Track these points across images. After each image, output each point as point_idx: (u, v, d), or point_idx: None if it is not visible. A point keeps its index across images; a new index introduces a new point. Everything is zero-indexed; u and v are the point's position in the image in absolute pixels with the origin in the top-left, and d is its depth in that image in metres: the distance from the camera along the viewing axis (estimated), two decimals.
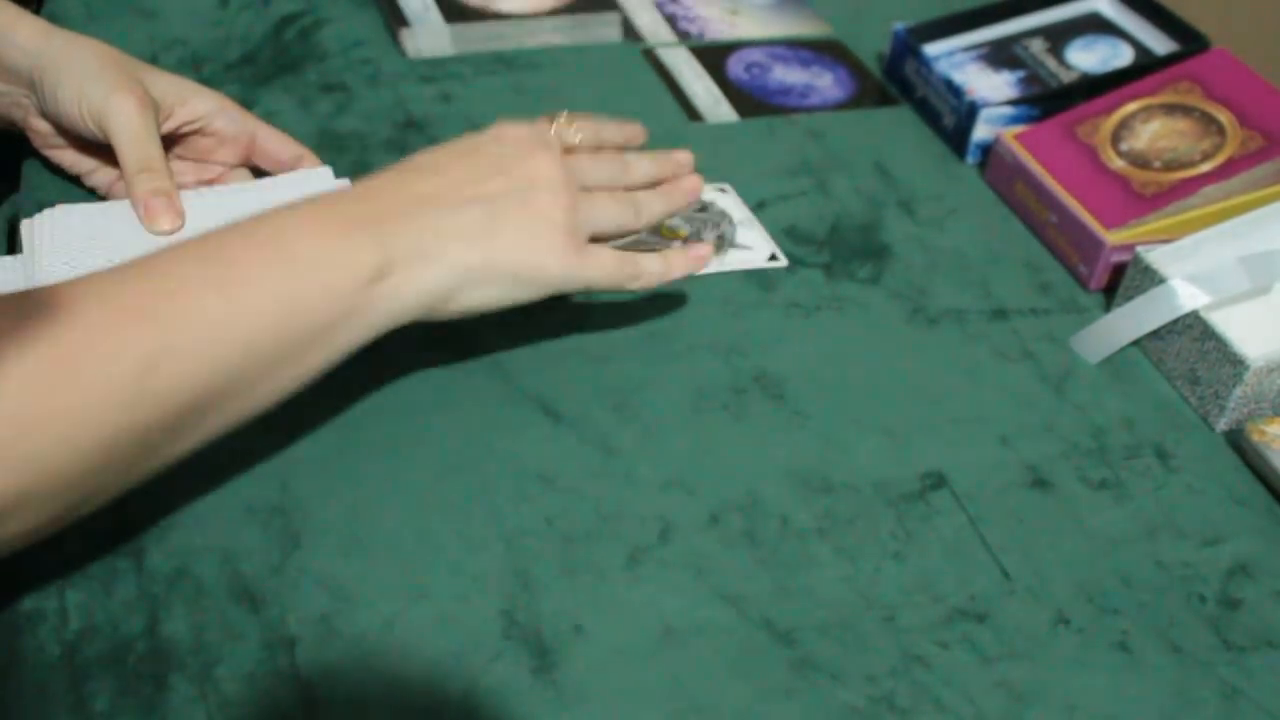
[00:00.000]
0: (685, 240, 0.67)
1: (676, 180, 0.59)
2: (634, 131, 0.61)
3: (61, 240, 0.56)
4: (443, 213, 0.49)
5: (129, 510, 0.50)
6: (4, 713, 0.43)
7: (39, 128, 0.62)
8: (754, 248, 0.68)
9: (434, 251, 0.48)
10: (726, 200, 0.72)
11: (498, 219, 0.50)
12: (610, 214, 0.55)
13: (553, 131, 0.57)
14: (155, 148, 0.58)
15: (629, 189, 0.57)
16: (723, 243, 0.67)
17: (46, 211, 0.58)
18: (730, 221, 0.69)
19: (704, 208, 0.70)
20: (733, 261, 0.67)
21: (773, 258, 0.68)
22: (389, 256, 0.47)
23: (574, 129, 0.58)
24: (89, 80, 0.57)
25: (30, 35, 0.59)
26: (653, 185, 0.59)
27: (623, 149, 0.60)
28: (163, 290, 0.43)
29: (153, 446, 0.43)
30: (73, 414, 0.40)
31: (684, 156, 0.60)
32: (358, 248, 0.46)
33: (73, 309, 0.41)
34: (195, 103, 0.62)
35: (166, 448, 0.44)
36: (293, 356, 0.46)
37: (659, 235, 0.67)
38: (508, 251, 0.50)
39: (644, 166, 0.58)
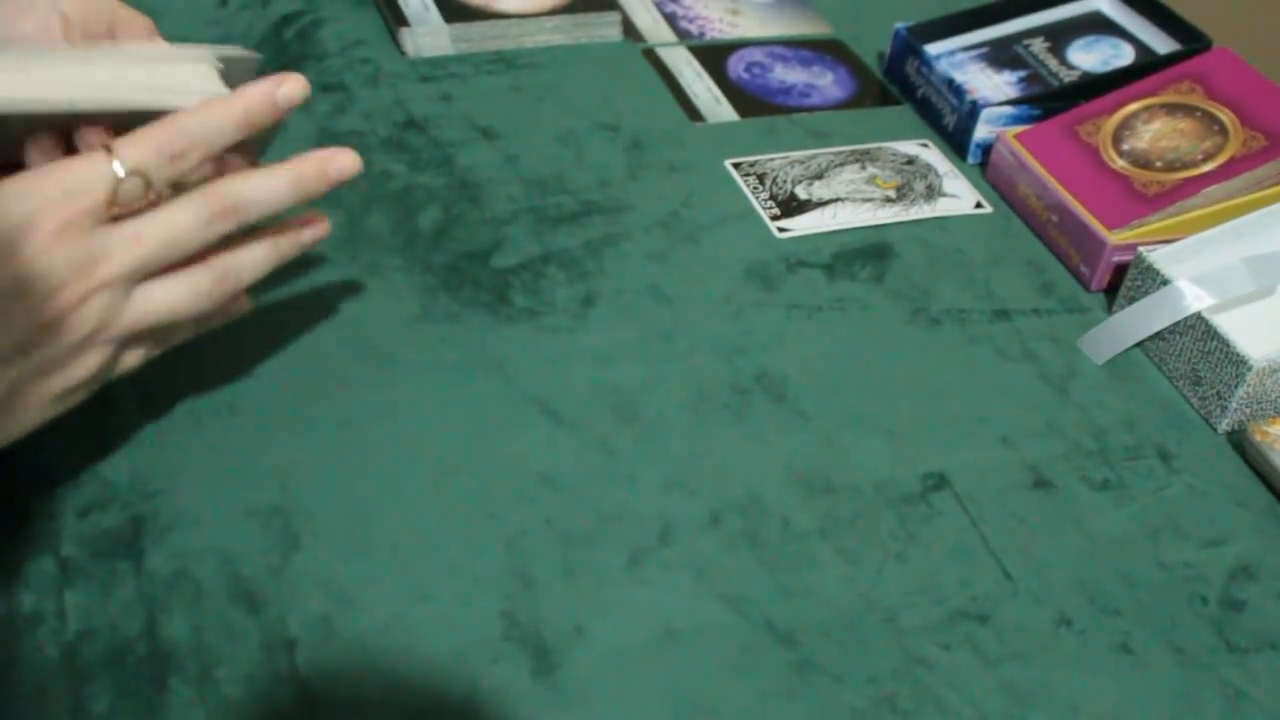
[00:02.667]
0: (897, 190, 0.74)
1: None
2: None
3: None
4: None
5: (128, 511, 0.50)
6: (3, 714, 0.43)
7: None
8: (961, 196, 0.74)
9: None
10: (930, 154, 0.78)
11: None
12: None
13: None
14: None
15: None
16: (932, 192, 0.74)
17: None
18: (936, 173, 0.76)
19: (910, 161, 0.76)
20: (943, 208, 0.73)
21: (978, 205, 0.74)
22: None
23: None
24: None
25: None
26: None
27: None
28: None
29: None
30: None
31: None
32: None
33: None
34: None
35: None
36: None
37: (874, 185, 0.73)
38: None
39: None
